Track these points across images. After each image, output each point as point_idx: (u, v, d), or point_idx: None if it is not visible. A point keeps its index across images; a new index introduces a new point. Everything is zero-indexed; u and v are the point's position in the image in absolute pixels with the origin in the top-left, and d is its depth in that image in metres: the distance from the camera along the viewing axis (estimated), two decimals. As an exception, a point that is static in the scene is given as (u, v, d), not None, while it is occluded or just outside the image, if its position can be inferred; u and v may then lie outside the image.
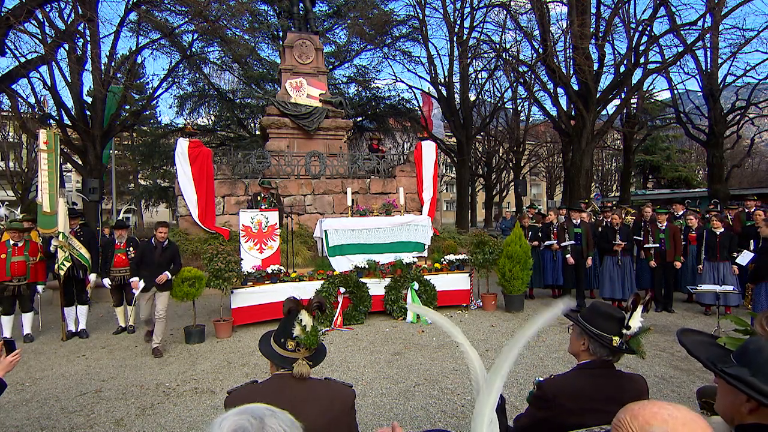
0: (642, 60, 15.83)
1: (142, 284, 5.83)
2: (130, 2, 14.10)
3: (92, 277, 6.67)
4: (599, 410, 1.81)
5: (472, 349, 1.21)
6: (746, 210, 9.01)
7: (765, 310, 1.61)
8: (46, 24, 12.91)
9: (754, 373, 1.15)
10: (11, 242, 6.17)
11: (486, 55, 20.55)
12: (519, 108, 28.19)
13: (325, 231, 8.13)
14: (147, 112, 25.34)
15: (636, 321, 2.00)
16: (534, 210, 11.06)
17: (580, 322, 2.01)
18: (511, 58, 18.25)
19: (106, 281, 6.68)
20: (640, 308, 2.02)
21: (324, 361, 2.02)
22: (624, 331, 1.97)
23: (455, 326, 1.33)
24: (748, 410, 1.17)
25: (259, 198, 9.08)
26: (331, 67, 20.84)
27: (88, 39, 13.84)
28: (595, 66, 15.75)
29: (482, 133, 28.30)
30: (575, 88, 16.04)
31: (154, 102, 25.28)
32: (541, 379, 1.98)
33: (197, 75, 20.57)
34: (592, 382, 1.89)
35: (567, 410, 1.82)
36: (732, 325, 2.02)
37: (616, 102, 17.38)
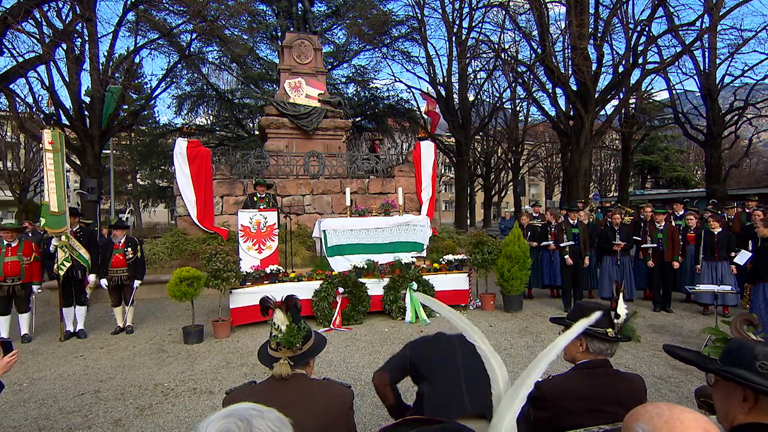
0: (640, 60, 15.88)
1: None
2: (129, 2, 14.09)
3: (91, 277, 6.65)
4: (598, 410, 1.81)
5: (494, 354, 1.15)
6: (746, 210, 9.03)
7: (739, 315, 1.66)
8: (44, 23, 12.89)
9: (743, 368, 1.19)
10: (5, 242, 6.14)
11: (485, 55, 20.59)
12: (518, 108, 28.26)
13: (324, 231, 8.13)
14: (145, 112, 25.36)
15: (622, 308, 2.05)
16: (539, 208, 11.09)
17: (569, 324, 2.02)
18: (509, 59, 18.28)
19: (104, 282, 6.66)
20: (622, 295, 2.08)
21: (323, 361, 2.02)
22: (615, 321, 2.00)
23: (476, 329, 1.23)
24: (747, 410, 1.18)
25: (256, 198, 9.04)
26: (329, 67, 20.84)
27: (86, 39, 13.84)
28: (594, 66, 15.78)
29: (481, 134, 28.34)
30: (574, 88, 16.07)
31: (153, 102, 25.27)
32: (540, 379, 1.98)
33: (195, 75, 20.59)
34: (590, 382, 1.89)
35: (565, 411, 1.82)
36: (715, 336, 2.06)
37: (615, 102, 17.42)
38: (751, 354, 1.21)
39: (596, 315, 1.69)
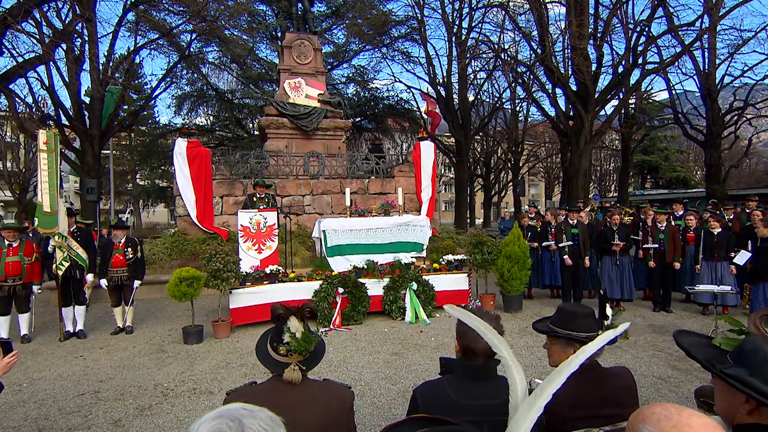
0: (640, 60, 15.88)
1: None
2: (128, 2, 14.09)
3: (89, 277, 6.67)
4: (594, 415, 1.79)
5: (516, 364, 1.14)
6: (746, 210, 9.04)
7: (758, 310, 1.62)
8: (44, 24, 12.88)
9: (753, 373, 1.16)
10: (6, 242, 6.14)
11: (485, 56, 20.57)
12: (517, 108, 28.24)
13: (324, 231, 8.13)
14: (145, 112, 25.33)
15: (609, 309, 2.05)
16: (534, 209, 11.10)
17: (562, 332, 1.95)
18: (509, 59, 18.28)
19: (104, 282, 6.66)
20: (605, 295, 2.07)
21: (323, 361, 1.99)
22: (605, 322, 1.99)
23: (501, 338, 1.22)
24: (748, 411, 1.17)
25: (255, 198, 9.04)
26: (329, 67, 20.84)
27: (86, 39, 13.82)
28: (594, 66, 15.78)
29: (481, 134, 28.32)
30: (574, 88, 16.07)
31: (153, 102, 25.27)
32: (538, 380, 1.96)
33: (195, 75, 20.57)
34: (583, 386, 1.84)
35: (562, 418, 1.79)
36: (729, 325, 2.02)
37: (615, 102, 17.42)
38: (765, 360, 1.18)
39: (624, 326, 1.61)
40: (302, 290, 6.89)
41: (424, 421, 0.96)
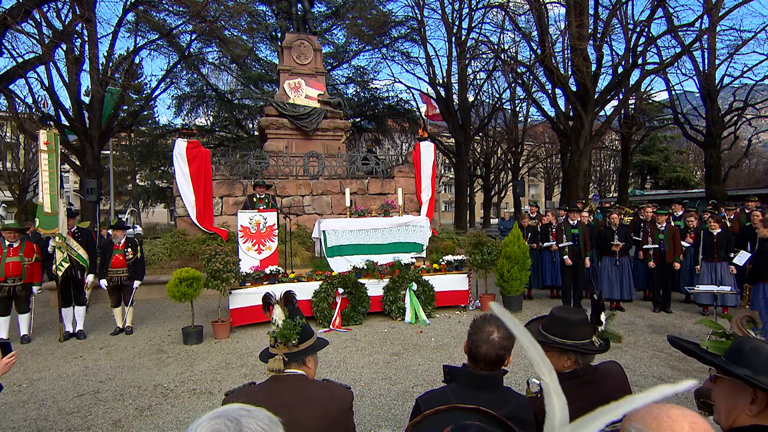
0: (640, 61, 15.90)
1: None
2: (128, 2, 14.11)
3: (90, 277, 6.67)
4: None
5: (559, 393, 1.04)
6: (746, 211, 9.04)
7: (740, 311, 1.61)
8: (44, 24, 12.90)
9: (759, 373, 1.16)
10: (6, 243, 6.15)
11: (484, 56, 20.61)
12: (517, 109, 28.25)
13: (324, 231, 8.13)
14: (145, 113, 25.33)
15: (602, 314, 2.00)
16: (536, 208, 11.10)
17: (555, 341, 1.87)
18: (509, 59, 18.29)
19: (103, 282, 6.66)
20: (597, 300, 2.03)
21: (322, 362, 1.99)
22: (598, 327, 1.96)
23: (545, 359, 1.05)
24: (755, 412, 1.17)
25: (255, 199, 9.04)
26: (329, 67, 20.83)
27: (86, 39, 13.84)
28: (593, 67, 15.78)
29: (480, 134, 28.31)
30: (573, 88, 16.08)
31: (152, 102, 25.24)
32: (537, 380, 1.94)
33: (195, 75, 20.57)
34: (578, 391, 1.79)
35: None
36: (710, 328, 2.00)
37: (614, 103, 17.43)
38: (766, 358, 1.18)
39: (689, 384, 1.47)
40: (302, 291, 6.88)
41: (465, 411, 0.92)
